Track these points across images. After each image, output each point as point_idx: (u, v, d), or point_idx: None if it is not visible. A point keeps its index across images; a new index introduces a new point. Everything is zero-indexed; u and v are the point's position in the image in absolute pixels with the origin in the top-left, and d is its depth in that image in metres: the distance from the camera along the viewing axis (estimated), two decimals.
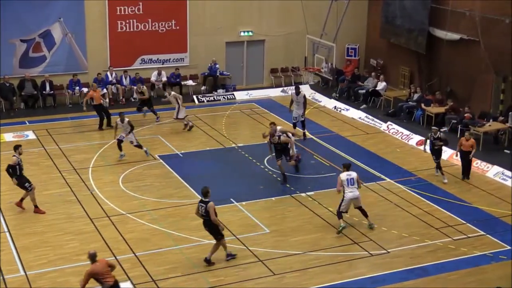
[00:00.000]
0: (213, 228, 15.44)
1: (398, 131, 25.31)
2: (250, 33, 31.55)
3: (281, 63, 32.29)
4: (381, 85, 28.96)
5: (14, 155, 18.27)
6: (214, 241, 15.57)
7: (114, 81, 29.33)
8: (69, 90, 28.85)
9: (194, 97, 29.66)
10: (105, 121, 25.65)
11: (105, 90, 27.79)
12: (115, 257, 15.81)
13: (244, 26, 31.35)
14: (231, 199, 19.12)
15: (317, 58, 30.68)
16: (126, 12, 29.37)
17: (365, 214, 17.52)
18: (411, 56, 29.36)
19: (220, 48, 31.07)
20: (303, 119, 24.55)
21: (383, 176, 21.02)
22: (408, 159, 22.70)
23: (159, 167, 21.74)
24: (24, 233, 17.03)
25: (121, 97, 29.33)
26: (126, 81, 29.52)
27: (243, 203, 18.97)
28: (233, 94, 30.33)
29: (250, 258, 15.94)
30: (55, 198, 19.19)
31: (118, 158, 22.22)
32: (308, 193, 19.70)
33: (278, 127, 20.80)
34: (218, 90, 30.45)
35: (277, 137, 20.27)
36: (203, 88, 30.56)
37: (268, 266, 15.60)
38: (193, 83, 30.54)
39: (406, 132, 25.03)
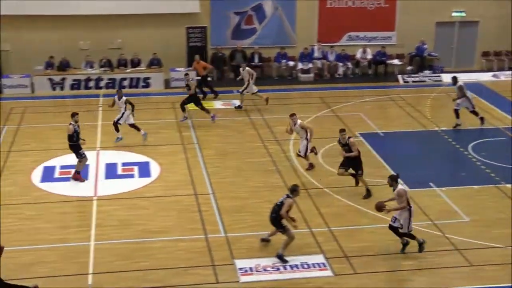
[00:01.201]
0: (277, 222, 14.87)
1: None
2: (463, 14, 30.29)
3: (494, 46, 30.71)
4: None
5: (71, 123, 18.64)
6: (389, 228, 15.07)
7: (320, 56, 29.66)
8: (276, 63, 29.67)
9: (399, 76, 29.19)
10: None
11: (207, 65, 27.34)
12: (309, 229, 16.12)
13: (457, 6, 30.17)
14: (430, 184, 18.62)
15: None
16: None
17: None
18: None
19: (429, 28, 30.24)
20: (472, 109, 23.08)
21: None
22: None
23: (359, 145, 21.68)
24: (228, 196, 17.86)
25: (325, 73, 29.64)
26: (331, 57, 29.73)
27: (443, 188, 18.39)
28: (440, 76, 29.40)
29: (446, 246, 15.48)
30: (258, 167, 19.88)
31: (114, 141, 21.40)
32: None
33: (298, 121, 19.21)
34: (425, 71, 29.68)
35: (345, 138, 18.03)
36: (409, 68, 29.96)
37: (466, 256, 15.05)
38: (399, 63, 30.04)
39: None
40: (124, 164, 19.94)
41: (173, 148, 21.29)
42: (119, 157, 20.41)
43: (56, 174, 19.25)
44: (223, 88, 27.84)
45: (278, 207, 14.76)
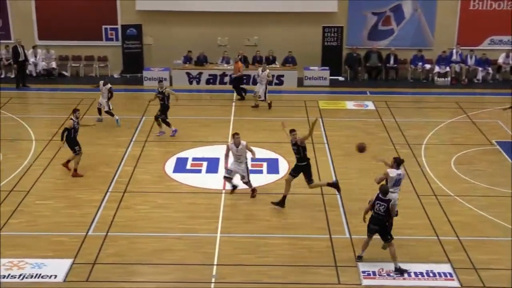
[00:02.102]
0: (385, 228, 14.25)
1: None
2: None
3: None
4: None
5: (71, 118, 18.80)
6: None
7: (458, 59, 28.70)
8: (412, 65, 29.04)
9: None
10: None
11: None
12: (437, 237, 15.64)
13: None
14: None
15: None
16: None
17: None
18: None
19: None
20: None
21: None
22: None
23: (494, 153, 20.83)
24: (354, 198, 17.67)
25: (463, 77, 28.65)
26: (471, 61, 28.71)
27: None
28: None
29: None
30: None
31: (95, 121, 22.34)
32: None
33: (244, 142, 17.40)
34: None
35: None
36: None
37: None
38: None
39: None
40: (253, 160, 20.19)
41: None
42: (249, 153, 20.66)
43: (188, 166, 19.83)
44: (356, 88, 27.61)
45: (385, 214, 14.14)
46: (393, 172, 15.13)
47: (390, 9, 28.84)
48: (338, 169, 19.57)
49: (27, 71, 28.39)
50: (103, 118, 23.09)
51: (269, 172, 19.45)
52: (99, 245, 15.23)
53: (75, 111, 19.16)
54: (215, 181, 18.72)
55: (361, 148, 16.25)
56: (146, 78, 27.98)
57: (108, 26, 29.04)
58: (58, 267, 14.27)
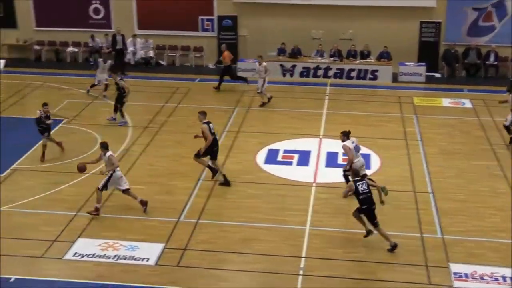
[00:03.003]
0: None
1: None
2: None
3: None
4: None
5: (39, 110, 19.14)
6: None
7: None
8: None
9: None
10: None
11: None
12: None
13: None
14: None
15: None
16: None
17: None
18: None
19: None
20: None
21: None
22: None
23: None
24: (448, 197, 17.26)
25: None
26: None
27: None
28: None
29: None
30: (483, 170, 18.98)
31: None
32: None
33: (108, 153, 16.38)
34: None
35: None
36: None
37: None
38: None
39: None
40: (345, 154, 20.04)
41: (396, 142, 21.02)
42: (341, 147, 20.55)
43: (279, 157, 19.88)
44: (454, 86, 26.93)
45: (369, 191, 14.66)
46: (349, 143, 16.72)
47: (492, 4, 27.93)
48: (432, 167, 19.14)
49: (126, 59, 29.19)
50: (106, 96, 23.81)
51: None
52: (190, 232, 15.50)
53: (44, 105, 19.36)
54: (305, 174, 18.70)
55: (81, 169, 16.15)
56: (240, 69, 28.21)
57: (205, 17, 29.45)
58: (150, 251, 14.63)
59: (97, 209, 16.17)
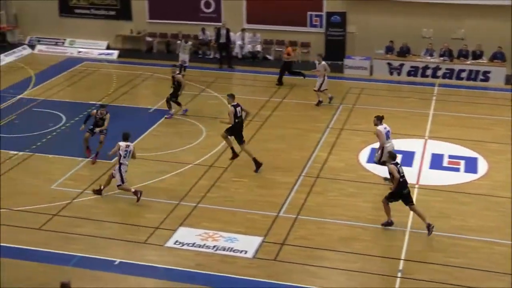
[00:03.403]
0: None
1: None
2: None
3: None
4: None
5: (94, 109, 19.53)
6: None
7: None
8: None
9: None
10: None
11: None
12: None
13: None
14: None
15: None
16: None
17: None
18: None
19: None
20: None
21: None
22: None
23: None
24: None
25: None
26: None
27: None
28: None
29: None
30: None
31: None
32: None
33: None
34: None
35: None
36: None
37: None
38: None
39: None
40: (451, 156, 19.56)
41: (505, 147, 20.26)
42: (447, 149, 20.08)
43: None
44: None
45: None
46: (382, 128, 17.51)
47: None
48: None
49: (234, 53, 29.58)
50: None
51: (466, 171, 18.71)
52: (289, 227, 15.59)
53: (101, 106, 19.65)
54: (408, 175, 18.26)
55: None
56: (346, 66, 28.01)
57: (313, 13, 29.40)
58: (249, 243, 14.83)
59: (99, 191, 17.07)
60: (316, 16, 29.44)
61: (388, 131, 17.65)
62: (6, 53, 29.73)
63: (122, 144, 16.78)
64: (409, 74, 27.56)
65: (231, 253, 14.54)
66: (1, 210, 16.43)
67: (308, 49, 29.69)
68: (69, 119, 22.35)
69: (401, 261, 14.26)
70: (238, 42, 29.70)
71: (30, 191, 17.31)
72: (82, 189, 17.38)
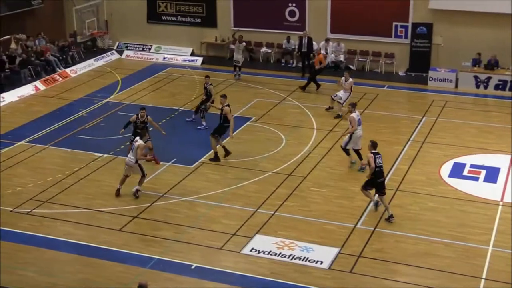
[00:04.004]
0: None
1: None
2: None
3: None
4: None
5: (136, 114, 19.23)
6: None
7: None
8: None
9: None
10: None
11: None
12: None
13: None
14: None
15: None
16: None
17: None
18: None
19: None
20: None
21: None
22: None
23: None
24: None
25: None
26: None
27: None
28: None
29: None
30: None
31: None
32: None
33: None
34: None
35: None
36: None
37: None
38: None
39: None
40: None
41: None
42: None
43: (465, 172, 19.13)
44: None
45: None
46: (355, 115, 18.99)
47: None
48: None
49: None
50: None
51: None
52: (366, 239, 15.41)
53: (141, 109, 19.47)
54: (492, 191, 17.84)
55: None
56: (431, 78, 27.45)
57: (399, 23, 28.98)
58: (325, 254, 14.73)
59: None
60: (402, 27, 29.01)
61: (360, 119, 19.21)
62: (95, 58, 30.70)
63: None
64: (496, 87, 26.76)
65: (307, 263, 14.48)
66: (85, 210, 16.96)
67: (392, 60, 29.29)
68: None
69: (482, 280, 13.84)
70: (322, 52, 29.59)
71: (113, 193, 17.75)
72: (162, 193, 17.70)
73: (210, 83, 22.90)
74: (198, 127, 22.29)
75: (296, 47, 29.52)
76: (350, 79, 23.75)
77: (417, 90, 26.58)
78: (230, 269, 14.35)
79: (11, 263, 14.61)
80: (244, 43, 28.08)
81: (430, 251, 14.95)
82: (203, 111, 22.40)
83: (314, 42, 28.98)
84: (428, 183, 18.43)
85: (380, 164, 16.17)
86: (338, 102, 23.57)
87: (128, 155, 17.47)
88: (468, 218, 16.48)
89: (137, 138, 17.47)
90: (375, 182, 16.26)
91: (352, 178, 18.63)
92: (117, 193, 17.64)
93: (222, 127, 19.66)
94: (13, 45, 28.56)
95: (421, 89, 26.64)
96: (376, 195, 16.55)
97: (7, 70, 27.06)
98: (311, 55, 28.48)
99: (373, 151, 16.23)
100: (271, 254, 14.81)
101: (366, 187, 16.54)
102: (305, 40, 28.62)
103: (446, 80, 27.25)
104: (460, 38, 27.88)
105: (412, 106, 25.31)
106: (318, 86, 26.39)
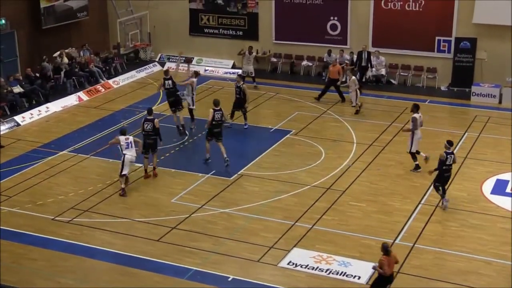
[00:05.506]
0: None
1: None
2: None
3: None
4: None
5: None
6: None
7: None
8: None
9: None
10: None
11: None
12: None
13: None
14: None
15: None
16: None
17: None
18: None
19: None
20: None
21: None
22: None
23: None
24: None
25: None
26: None
27: None
28: None
29: None
30: None
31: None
32: None
33: None
34: None
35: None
36: None
37: None
38: None
39: None
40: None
41: None
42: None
43: (508, 189, 18.78)
44: None
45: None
46: (417, 116, 19.48)
47: None
48: None
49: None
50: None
51: None
52: (405, 255, 15.21)
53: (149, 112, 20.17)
54: None
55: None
56: (474, 94, 27.09)
57: (442, 38, 28.68)
58: (363, 269, 14.58)
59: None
60: (445, 41, 28.70)
61: (421, 121, 19.79)
62: (137, 69, 31.05)
63: (122, 137, 18.42)
64: None
65: (344, 278, 14.36)
66: (124, 220, 17.11)
67: (435, 74, 28.98)
68: (192, 135, 22.98)
69: None
70: (363, 65, 29.45)
71: (152, 203, 17.89)
72: (201, 204, 17.77)
73: (242, 82, 23.54)
74: (245, 127, 23.44)
75: (350, 61, 29.22)
76: (353, 77, 25.37)
77: (459, 105, 26.24)
78: (267, 282, 14.31)
79: (51, 270, 14.82)
80: (254, 54, 28.78)
81: (471, 269, 14.70)
82: (244, 113, 23.40)
83: (345, 55, 28.99)
84: (469, 199, 18.15)
85: (450, 163, 17.38)
86: (353, 107, 25.26)
87: (127, 154, 18.28)
88: (510, 236, 16.15)
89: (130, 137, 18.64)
90: (445, 178, 17.54)
91: (391, 193, 18.45)
92: (123, 194, 18.28)
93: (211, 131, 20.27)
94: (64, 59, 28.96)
95: (463, 104, 26.30)
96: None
97: (52, 81, 27.60)
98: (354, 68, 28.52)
99: (447, 151, 17.39)
100: (308, 268, 14.73)
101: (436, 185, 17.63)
102: (365, 55, 28.53)
103: (490, 96, 26.86)
104: (504, 53, 27.47)
105: (454, 121, 24.98)
106: (343, 99, 26.32)
